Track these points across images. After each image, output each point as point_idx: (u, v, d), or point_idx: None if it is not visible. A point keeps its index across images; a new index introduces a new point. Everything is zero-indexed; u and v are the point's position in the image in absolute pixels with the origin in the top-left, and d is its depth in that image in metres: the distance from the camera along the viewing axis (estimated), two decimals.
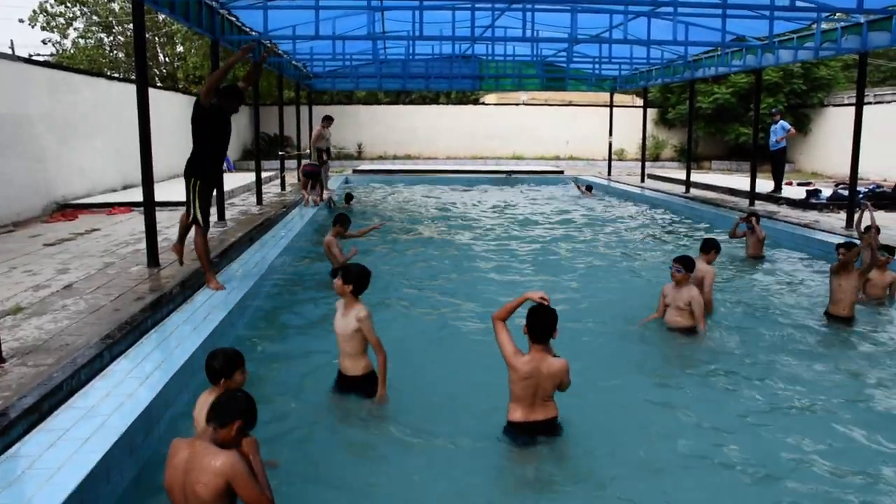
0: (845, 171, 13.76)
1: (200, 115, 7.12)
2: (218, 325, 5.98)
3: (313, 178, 15.80)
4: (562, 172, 26.17)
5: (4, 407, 3.91)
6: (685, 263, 6.71)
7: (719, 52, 16.43)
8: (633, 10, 12.75)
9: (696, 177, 20.61)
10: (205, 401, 3.78)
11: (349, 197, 16.73)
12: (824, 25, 12.45)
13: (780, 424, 4.94)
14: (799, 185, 18.70)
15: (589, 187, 20.45)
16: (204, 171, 7.19)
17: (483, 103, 35.83)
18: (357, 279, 5.00)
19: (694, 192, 18.48)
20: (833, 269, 7.31)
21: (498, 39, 15.28)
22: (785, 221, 12.79)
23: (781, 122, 16.62)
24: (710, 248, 7.52)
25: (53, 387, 4.23)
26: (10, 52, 29.42)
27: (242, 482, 3.14)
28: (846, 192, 13.35)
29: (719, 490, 4.14)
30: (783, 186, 17.01)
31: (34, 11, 31.39)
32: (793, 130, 17.11)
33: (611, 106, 25.07)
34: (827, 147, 25.69)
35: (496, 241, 12.27)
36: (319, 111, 25.14)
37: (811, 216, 13.47)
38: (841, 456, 4.50)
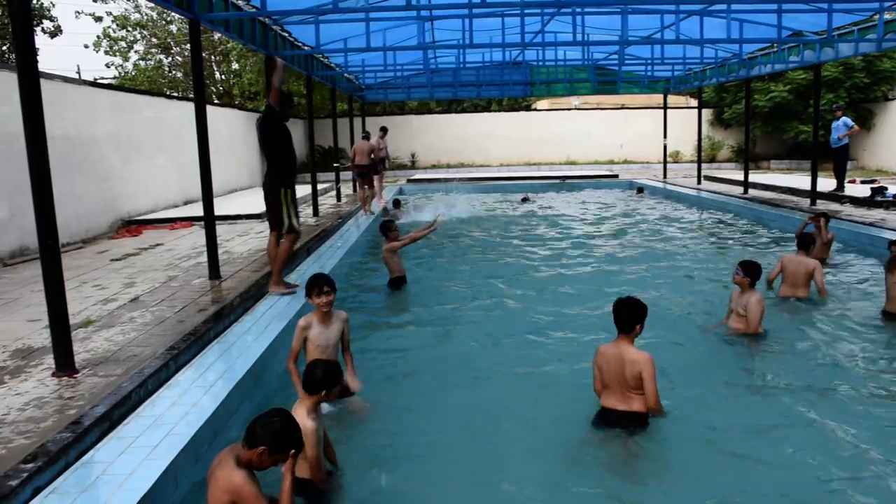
0: None
1: (273, 118, 7.25)
2: (278, 335, 6.10)
3: (364, 177, 16.12)
4: (616, 176, 25.92)
5: (79, 416, 4.07)
6: (746, 267, 6.54)
7: (775, 49, 16.09)
8: (685, 10, 12.56)
9: (755, 177, 20.19)
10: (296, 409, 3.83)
11: (397, 203, 17.01)
12: (887, 16, 12.08)
13: (833, 421, 4.85)
14: (863, 182, 18.13)
15: (640, 189, 21.13)
16: (290, 178, 7.41)
17: (535, 109, 35.74)
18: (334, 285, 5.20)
19: (752, 192, 18.08)
20: (887, 267, 7.12)
21: (548, 44, 15.21)
22: (849, 220, 12.41)
23: (843, 118, 16.16)
24: (808, 243, 7.95)
25: (123, 396, 4.39)
26: (77, 76, 30.63)
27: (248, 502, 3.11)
28: None
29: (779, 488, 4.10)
30: (846, 184, 16.52)
31: (98, 37, 32.59)
32: (855, 127, 16.60)
33: (664, 107, 24.75)
34: (892, 143, 24.82)
35: (555, 244, 12.22)
36: (372, 122, 25.48)
37: (877, 214, 13.05)
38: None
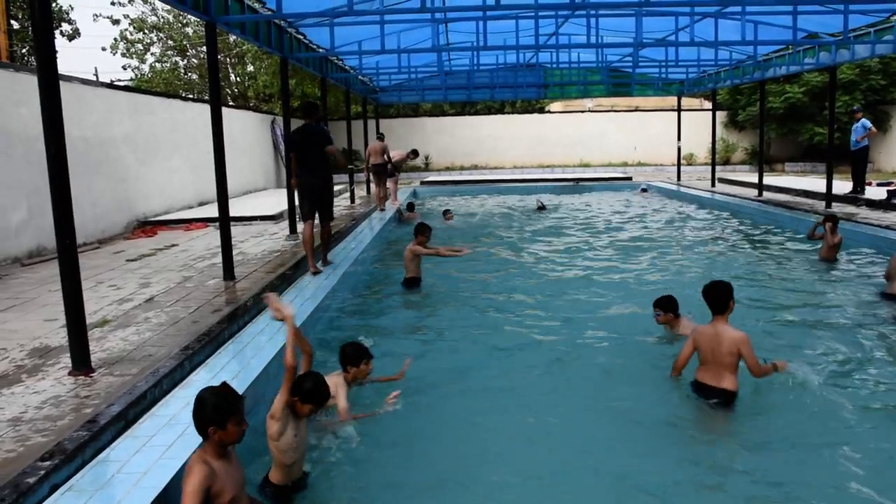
0: None
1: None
2: None
3: (379, 175, 16.34)
4: (630, 179, 25.85)
5: (95, 414, 4.12)
6: (664, 305, 6.27)
7: (791, 51, 16.00)
8: (700, 12, 12.53)
9: (769, 179, 20.08)
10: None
11: (411, 206, 17.00)
12: None
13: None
14: (879, 185, 17.97)
15: (644, 189, 21.78)
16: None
17: (548, 111, 35.70)
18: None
19: (767, 195, 17.97)
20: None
21: (562, 47, 15.21)
22: (866, 223, 12.31)
23: (862, 120, 16.04)
24: None
25: (138, 395, 4.43)
26: (94, 78, 30.86)
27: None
28: None
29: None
30: (864, 187, 16.38)
31: (115, 39, 32.85)
32: (873, 129, 16.48)
33: (678, 110, 24.67)
34: None
35: (566, 246, 12.20)
36: (386, 125, 25.53)
37: (893, 217, 12.94)
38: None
